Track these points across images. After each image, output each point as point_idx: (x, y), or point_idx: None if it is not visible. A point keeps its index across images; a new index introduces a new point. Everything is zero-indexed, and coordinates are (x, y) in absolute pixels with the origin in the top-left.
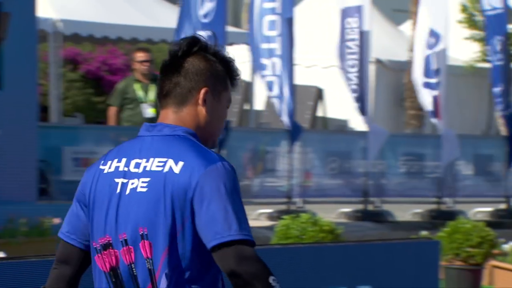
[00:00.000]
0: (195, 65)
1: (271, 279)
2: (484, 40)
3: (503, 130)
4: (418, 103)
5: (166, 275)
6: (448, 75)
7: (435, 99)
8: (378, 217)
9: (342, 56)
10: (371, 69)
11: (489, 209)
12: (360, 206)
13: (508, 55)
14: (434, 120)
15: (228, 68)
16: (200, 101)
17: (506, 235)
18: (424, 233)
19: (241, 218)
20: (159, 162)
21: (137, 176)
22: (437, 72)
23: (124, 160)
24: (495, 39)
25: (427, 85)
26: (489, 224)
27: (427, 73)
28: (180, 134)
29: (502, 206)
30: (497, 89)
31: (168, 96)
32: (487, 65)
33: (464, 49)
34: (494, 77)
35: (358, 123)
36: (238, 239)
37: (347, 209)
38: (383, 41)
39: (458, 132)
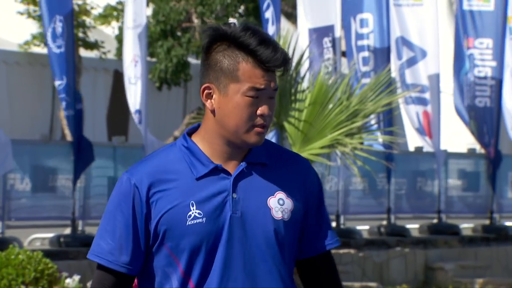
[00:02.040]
0: (203, 60)
1: None
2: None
3: (68, 134)
4: None
5: None
6: None
7: None
8: None
9: None
10: None
11: (50, 235)
12: None
13: (73, 40)
14: None
15: (250, 52)
16: (202, 99)
17: (71, 268)
18: None
19: (100, 236)
20: None
21: None
22: None
23: None
24: (57, 19)
25: None
26: (50, 254)
27: None
28: (175, 143)
29: (67, 231)
30: (59, 83)
31: None
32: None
33: (18, 29)
34: (55, 68)
35: None
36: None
37: None
38: None
39: (12, 137)
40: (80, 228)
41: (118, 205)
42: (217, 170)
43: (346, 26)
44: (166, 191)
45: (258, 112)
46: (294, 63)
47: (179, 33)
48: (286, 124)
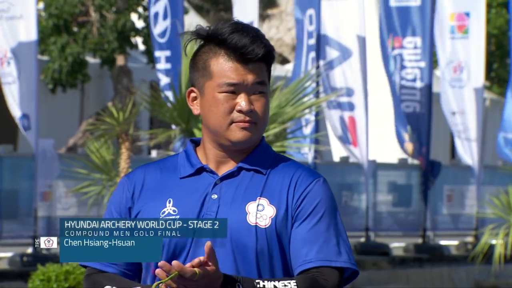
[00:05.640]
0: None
1: None
2: None
3: None
4: None
5: None
6: None
7: None
8: None
9: None
10: None
11: None
12: None
13: None
14: None
15: (223, 43)
16: (188, 103)
17: None
18: None
19: None
20: None
21: None
22: None
23: None
24: None
25: None
26: None
27: None
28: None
29: None
30: None
31: None
32: None
33: None
34: None
35: None
36: None
37: None
38: None
39: None
40: None
41: (111, 198)
42: (203, 171)
43: None
44: (150, 189)
45: (237, 107)
46: None
47: (74, 28)
48: (196, 131)
